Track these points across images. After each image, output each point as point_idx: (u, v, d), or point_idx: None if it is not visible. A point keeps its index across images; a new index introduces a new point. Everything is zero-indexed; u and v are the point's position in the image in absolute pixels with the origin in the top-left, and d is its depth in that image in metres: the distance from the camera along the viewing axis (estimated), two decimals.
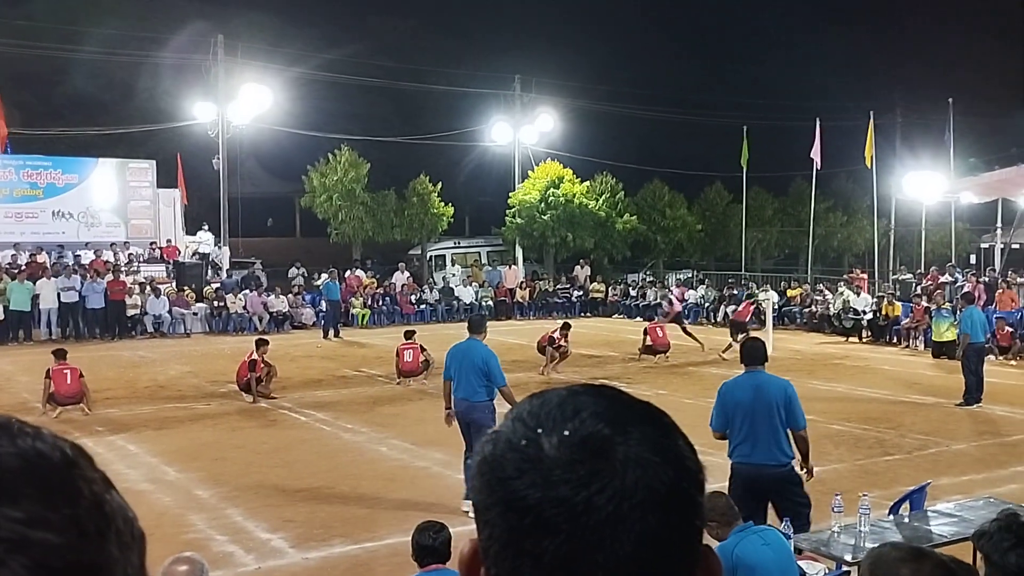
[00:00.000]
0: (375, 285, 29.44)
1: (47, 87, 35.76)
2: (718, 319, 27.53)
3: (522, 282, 31.75)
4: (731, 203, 38.10)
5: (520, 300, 30.89)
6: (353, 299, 27.79)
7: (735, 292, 28.29)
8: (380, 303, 28.53)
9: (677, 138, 40.05)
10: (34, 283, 23.52)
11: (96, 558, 0.63)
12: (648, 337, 19.10)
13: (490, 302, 30.21)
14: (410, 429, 12.28)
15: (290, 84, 32.89)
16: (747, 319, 20.85)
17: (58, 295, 23.74)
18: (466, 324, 9.49)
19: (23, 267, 25.07)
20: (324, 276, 26.67)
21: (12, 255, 26.26)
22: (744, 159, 33.72)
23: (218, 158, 30.67)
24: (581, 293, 31.91)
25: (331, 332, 24.26)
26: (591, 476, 0.73)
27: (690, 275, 34.32)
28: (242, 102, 30.35)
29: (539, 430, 0.77)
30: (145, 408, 14.05)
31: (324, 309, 25.51)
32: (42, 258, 25.95)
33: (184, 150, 31.86)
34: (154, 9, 37.97)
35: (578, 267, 33.43)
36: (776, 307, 24.84)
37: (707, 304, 29.01)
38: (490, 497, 0.77)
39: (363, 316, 27.46)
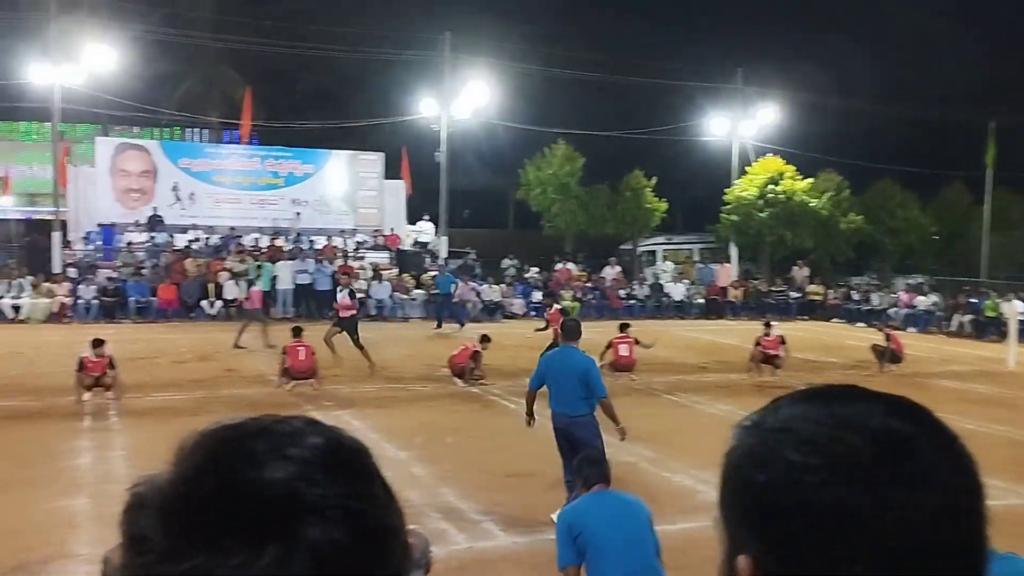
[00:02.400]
0: (585, 278, 29.58)
1: (289, 82, 38.47)
2: (951, 329, 25.55)
3: (735, 281, 30.84)
4: (972, 204, 35.18)
5: (732, 299, 30.02)
6: (563, 292, 28.05)
7: (972, 300, 26.14)
8: (589, 297, 28.63)
9: (912, 134, 37.37)
10: (273, 265, 25.44)
11: (394, 523, 0.78)
12: (891, 343, 17.56)
13: (701, 300, 29.57)
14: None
15: (510, 79, 33.61)
16: None
17: (294, 277, 25.55)
18: (561, 329, 8.83)
19: (264, 250, 27.18)
20: (435, 272, 27.03)
21: (255, 239, 28.55)
22: (990, 157, 31.03)
23: (440, 151, 31.87)
24: (799, 295, 30.57)
25: (438, 324, 24.24)
26: (911, 473, 0.73)
27: (920, 280, 32.05)
28: (464, 97, 31.36)
29: (842, 429, 0.75)
30: (368, 387, 14.80)
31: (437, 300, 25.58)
32: (280, 242, 28.03)
33: (409, 143, 33.35)
34: (388, 8, 39.92)
35: (796, 267, 32.06)
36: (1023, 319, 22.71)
37: (938, 312, 26.98)
38: (801, 506, 0.74)
39: (573, 309, 27.64)
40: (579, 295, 28.32)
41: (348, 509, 0.73)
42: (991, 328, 24.47)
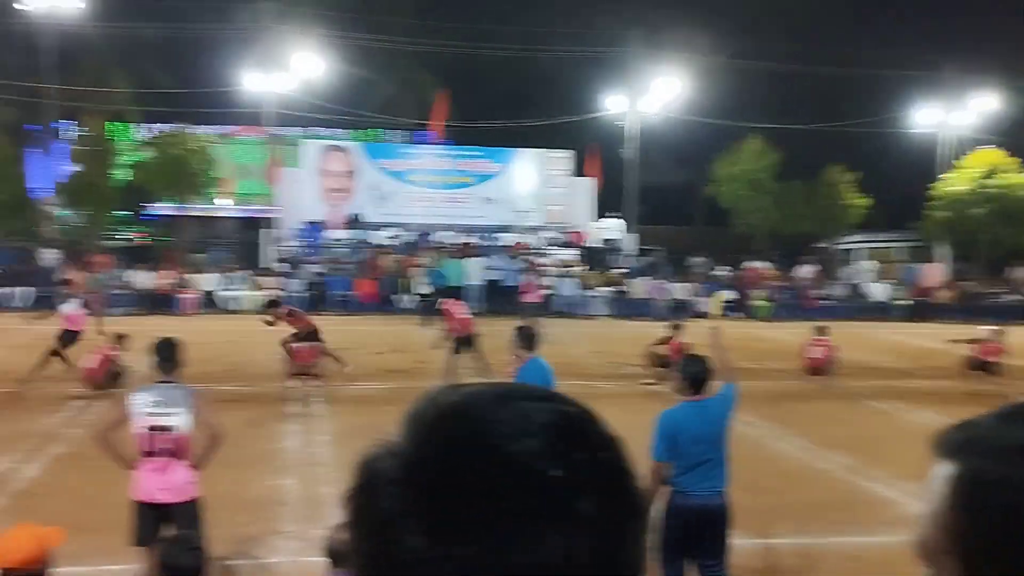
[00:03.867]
0: (778, 277, 28.58)
1: (480, 83, 39.41)
2: None
3: (945, 282, 28.85)
4: None
5: (941, 301, 28.08)
6: (753, 290, 27.23)
7: None
8: (782, 296, 27.63)
9: None
10: (464, 261, 26.18)
11: (636, 487, 0.77)
12: None
13: (905, 301, 27.87)
14: (814, 429, 11.71)
15: (701, 73, 32.94)
16: None
17: (483, 273, 26.18)
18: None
19: (456, 247, 28.03)
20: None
21: (448, 236, 29.49)
22: None
23: (628, 148, 31.71)
24: (1018, 297, 28.21)
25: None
26: None
27: None
28: (653, 93, 31.04)
29: None
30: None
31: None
32: (470, 239, 28.80)
33: (598, 140, 33.38)
34: (577, 5, 40.09)
35: (1015, 268, 29.59)
36: None
37: None
38: None
39: (764, 309, 26.79)
40: (771, 295, 27.37)
41: (613, 479, 0.72)
42: None
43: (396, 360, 16.92)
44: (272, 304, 14.78)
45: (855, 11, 44.47)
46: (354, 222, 30.72)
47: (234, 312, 25.43)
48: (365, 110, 34.86)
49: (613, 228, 31.58)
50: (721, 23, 37.96)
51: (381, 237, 29.76)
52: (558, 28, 35.40)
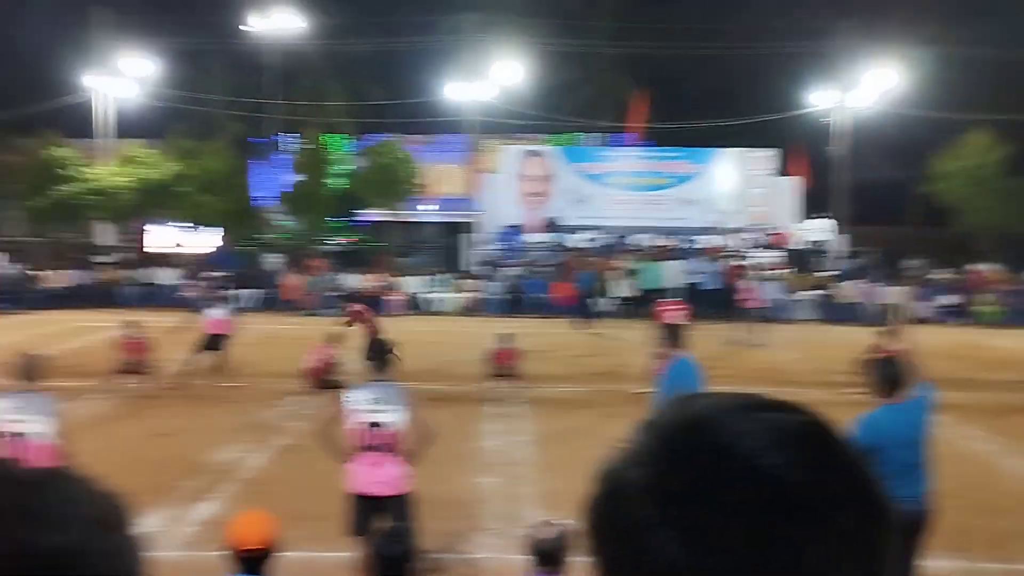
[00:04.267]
0: (1008, 280, 26.33)
1: (680, 83, 38.82)
2: None
3: None
4: None
5: None
6: (979, 295, 25.22)
7: None
8: (1013, 301, 25.42)
9: None
10: (662, 264, 25.85)
11: (888, 499, 0.74)
12: None
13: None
14: None
15: (918, 64, 30.90)
16: None
17: (683, 276, 25.74)
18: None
19: (654, 249, 27.74)
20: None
21: (644, 238, 29.24)
22: None
23: (836, 145, 30.26)
24: None
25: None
26: None
27: None
28: (863, 86, 29.45)
29: None
30: (750, 389, 14.40)
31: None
32: (669, 241, 28.40)
33: (801, 138, 32.06)
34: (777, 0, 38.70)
35: None
36: None
37: None
38: None
39: (992, 314, 24.75)
40: (999, 299, 25.24)
41: (866, 491, 0.71)
42: None
43: (593, 363, 16.91)
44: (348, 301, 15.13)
45: None
46: (551, 225, 31.06)
47: (437, 313, 26.34)
48: (563, 114, 35.20)
49: (821, 229, 30.18)
50: (938, 5, 35.45)
51: (578, 240, 29.92)
52: (760, 23, 34.28)
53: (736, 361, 17.04)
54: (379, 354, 6.23)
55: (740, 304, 20.97)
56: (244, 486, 8.64)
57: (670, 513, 0.69)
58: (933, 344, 20.15)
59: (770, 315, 24.37)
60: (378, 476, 5.80)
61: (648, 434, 0.76)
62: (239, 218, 31.49)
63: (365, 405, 5.84)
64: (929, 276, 27.46)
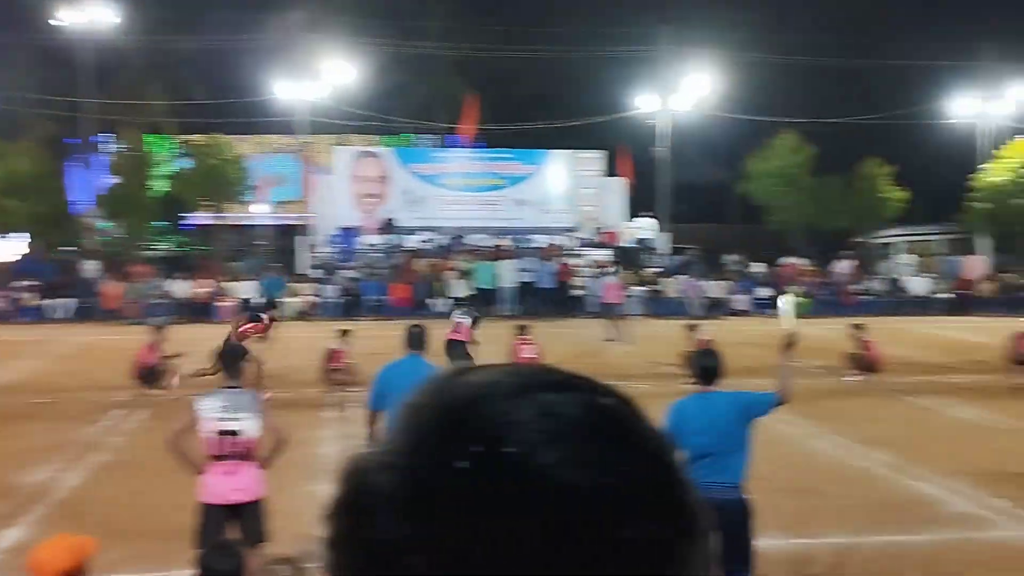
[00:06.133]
0: (815, 274, 28.29)
1: (511, 85, 39.47)
2: None
3: (986, 274, 28.37)
4: None
5: (983, 294, 27.62)
6: (790, 287, 26.96)
7: None
8: (819, 293, 27.35)
9: None
10: (497, 264, 26.22)
11: (692, 500, 0.61)
12: None
13: (945, 295, 27.44)
14: (852, 426, 11.57)
15: (732, 69, 32.72)
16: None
17: (517, 275, 26.20)
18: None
19: (489, 250, 28.09)
20: None
21: (479, 239, 29.57)
22: None
23: (659, 147, 31.60)
24: None
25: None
26: None
27: None
28: (684, 91, 30.90)
29: None
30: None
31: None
32: (503, 242, 28.84)
33: (630, 139, 33.28)
34: (604, 6, 40.04)
35: None
36: None
37: None
38: None
39: (801, 305, 26.51)
40: (808, 291, 27.08)
41: (663, 492, 0.59)
42: None
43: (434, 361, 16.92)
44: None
45: (889, 1, 43.86)
46: (387, 227, 30.90)
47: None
48: (396, 115, 35.08)
49: (646, 227, 31.45)
50: (751, 17, 37.68)
51: (415, 241, 29.91)
52: (587, 28, 35.34)
53: (574, 356, 17.52)
54: (232, 360, 6.06)
55: (603, 302, 21.73)
56: (57, 508, 8.15)
57: (423, 529, 0.55)
58: (749, 334, 21.44)
59: (589, 311, 25.28)
60: (233, 484, 5.68)
61: (403, 422, 0.61)
62: (52, 223, 29.58)
63: (217, 413, 5.68)
64: (746, 270, 29.12)
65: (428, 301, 26.30)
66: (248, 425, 5.76)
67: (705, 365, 5.58)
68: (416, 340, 7.26)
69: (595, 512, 0.55)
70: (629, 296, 26.44)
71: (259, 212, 35.63)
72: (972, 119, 32.30)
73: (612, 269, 25.66)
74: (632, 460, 0.58)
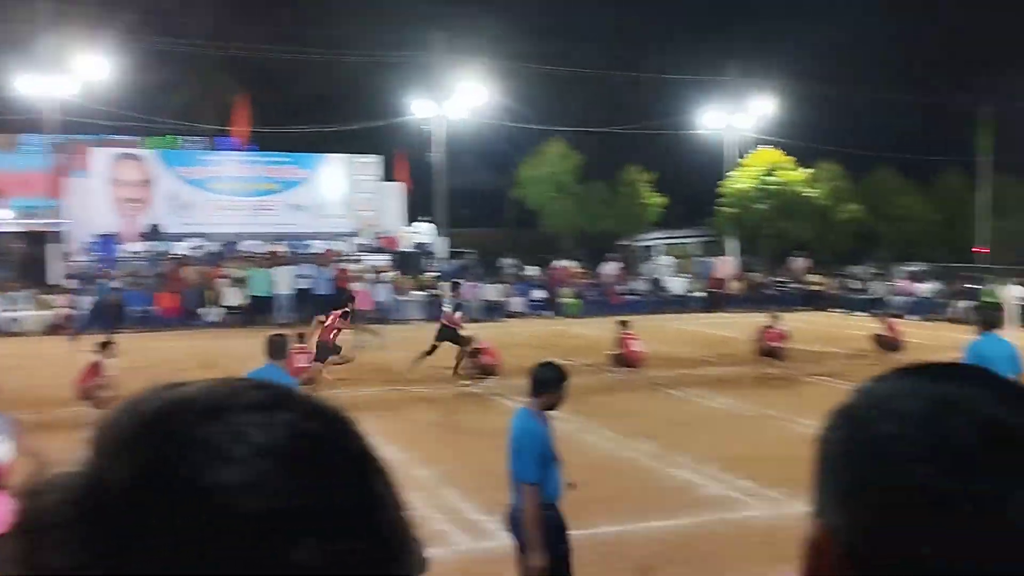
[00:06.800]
0: (584, 275, 29.64)
1: (285, 87, 38.49)
2: (951, 314, 25.62)
3: (735, 274, 30.87)
4: (972, 191, 35.21)
5: (732, 292, 30.05)
6: (562, 289, 28.11)
7: (971, 286, 26.17)
8: (589, 293, 28.69)
9: (908, 121, 37.41)
10: (272, 270, 25.48)
11: (404, 524, 0.61)
12: (889, 332, 17.79)
13: (701, 294, 29.60)
14: (619, 420, 12.23)
15: (505, 78, 33.63)
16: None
17: (293, 282, 25.59)
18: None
19: (264, 256, 27.23)
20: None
21: (255, 245, 28.60)
22: (984, 142, 31.10)
23: (435, 152, 31.92)
24: (799, 286, 30.60)
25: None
26: (1015, 467, 0.66)
27: (921, 268, 32.06)
28: (459, 97, 31.40)
29: (947, 409, 0.68)
30: (369, 389, 14.83)
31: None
32: (279, 248, 28.07)
33: (407, 144, 33.39)
34: (381, 10, 39.95)
35: (795, 258, 32.08)
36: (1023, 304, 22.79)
37: (938, 299, 27.03)
38: (884, 479, 0.68)
39: (573, 306, 27.71)
40: (578, 293, 28.36)
41: (350, 518, 0.56)
42: None
43: (203, 376, 16.18)
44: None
45: (646, 19, 46.79)
46: (152, 233, 29.19)
47: (16, 334, 23.59)
48: (161, 116, 33.21)
49: (424, 232, 31.68)
50: (522, 27, 38.94)
51: (183, 248, 28.44)
52: (363, 32, 35.11)
53: (355, 362, 17.34)
54: None
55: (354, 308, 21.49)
56: None
57: (96, 557, 0.52)
58: (525, 335, 22.14)
59: (369, 316, 25.19)
60: None
61: (93, 439, 0.57)
62: None
63: None
64: (521, 273, 30.04)
65: (200, 311, 25.14)
66: (1, 449, 5.31)
67: (541, 379, 5.42)
68: (277, 349, 7.37)
69: (265, 537, 0.52)
70: (409, 301, 26.58)
71: (2, 218, 32.61)
72: (720, 130, 35.05)
73: (371, 275, 25.83)
74: (320, 484, 0.56)
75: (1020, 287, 24.28)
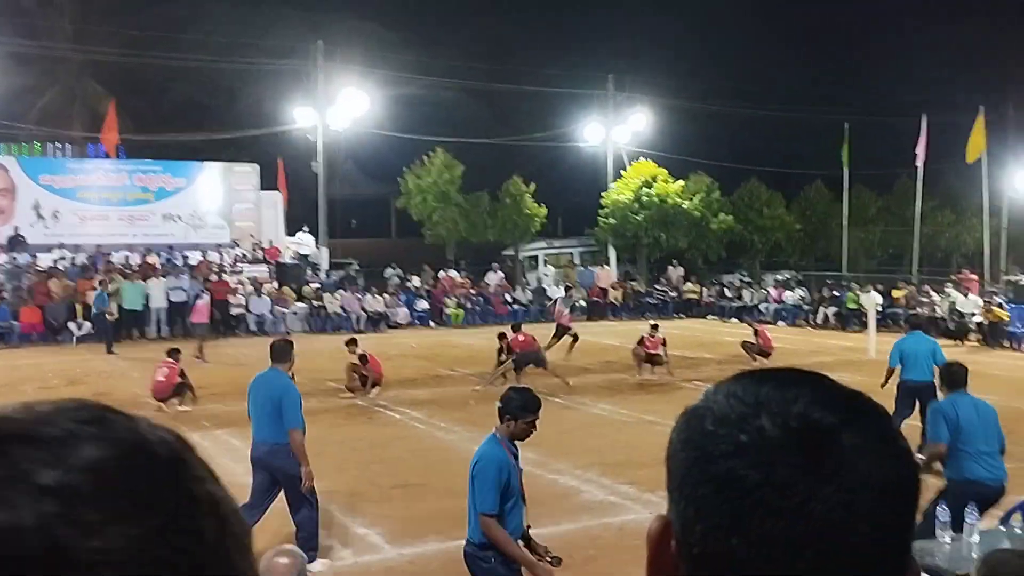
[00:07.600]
0: (469, 285, 29.74)
1: (157, 94, 37.25)
2: (817, 321, 26.89)
3: (615, 283, 31.57)
4: (832, 202, 37.11)
5: (613, 301, 30.72)
6: (447, 299, 28.15)
7: (836, 293, 27.56)
8: (473, 303, 28.82)
9: (776, 136, 39.18)
10: (146, 283, 24.59)
11: (229, 564, 0.56)
12: (759, 338, 18.68)
13: (583, 302, 30.11)
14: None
15: (387, 88, 33.48)
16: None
17: (167, 295, 24.75)
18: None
19: (136, 268, 26.22)
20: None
21: (125, 256, 27.50)
22: (846, 157, 32.81)
23: (317, 161, 31.46)
24: (675, 294, 31.54)
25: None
26: (818, 463, 0.71)
27: (788, 276, 33.55)
28: (341, 106, 31.07)
29: (759, 410, 0.74)
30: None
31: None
32: (152, 259, 27.10)
33: (285, 154, 32.78)
34: (257, 17, 39.17)
35: (671, 267, 33.07)
36: (880, 309, 24.10)
37: (804, 306, 28.35)
38: (700, 474, 0.74)
39: (457, 316, 27.79)
40: (463, 302, 28.45)
41: (152, 560, 0.52)
42: (853, 319, 25.88)
43: (70, 393, 15.48)
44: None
45: (531, 33, 47.44)
46: (14, 244, 27.70)
47: None
48: (22, 122, 31.58)
49: (305, 243, 31.14)
50: (402, 37, 38.87)
51: (48, 260, 27.08)
52: (242, 39, 34.23)
53: (231, 377, 16.91)
54: None
55: (192, 320, 21.37)
56: None
57: None
58: (408, 346, 22.07)
59: (248, 328, 24.68)
60: None
61: None
62: None
63: None
64: (406, 284, 29.90)
65: (69, 325, 24.01)
66: None
67: (507, 402, 5.31)
68: (279, 353, 7.51)
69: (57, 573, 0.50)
70: (293, 312, 26.09)
71: None
72: (600, 144, 35.84)
73: (249, 287, 25.48)
74: (117, 514, 0.52)
75: (879, 294, 25.72)
